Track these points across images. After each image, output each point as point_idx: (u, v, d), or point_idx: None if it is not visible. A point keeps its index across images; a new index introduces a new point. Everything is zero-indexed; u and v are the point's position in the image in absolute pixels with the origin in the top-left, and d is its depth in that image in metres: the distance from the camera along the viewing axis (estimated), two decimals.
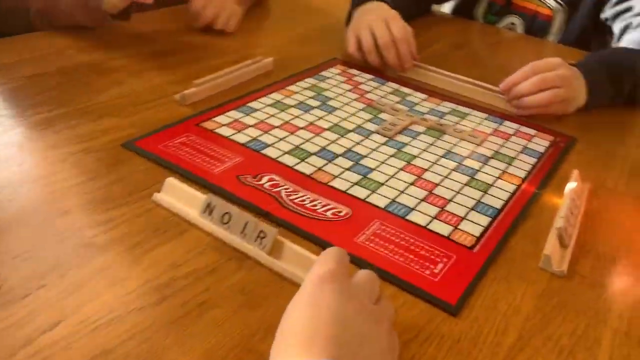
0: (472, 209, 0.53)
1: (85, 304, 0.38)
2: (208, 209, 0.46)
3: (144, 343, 0.35)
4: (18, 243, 0.42)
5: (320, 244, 0.45)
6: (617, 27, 0.97)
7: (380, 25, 0.79)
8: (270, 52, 0.83)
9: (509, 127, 0.70)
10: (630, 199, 0.58)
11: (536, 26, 1.09)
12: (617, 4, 0.98)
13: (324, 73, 0.80)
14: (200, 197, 0.47)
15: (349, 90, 0.75)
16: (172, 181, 0.49)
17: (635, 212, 0.56)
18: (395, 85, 0.78)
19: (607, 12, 0.99)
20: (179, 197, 0.48)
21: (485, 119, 0.72)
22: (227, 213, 0.45)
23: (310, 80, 0.76)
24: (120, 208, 0.47)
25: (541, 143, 0.67)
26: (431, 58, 0.87)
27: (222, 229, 0.45)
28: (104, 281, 0.40)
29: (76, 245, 0.43)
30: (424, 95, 0.76)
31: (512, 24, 1.12)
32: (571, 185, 0.55)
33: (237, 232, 0.44)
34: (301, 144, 0.60)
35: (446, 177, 0.57)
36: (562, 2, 1.05)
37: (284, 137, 0.61)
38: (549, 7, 1.07)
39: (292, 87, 0.74)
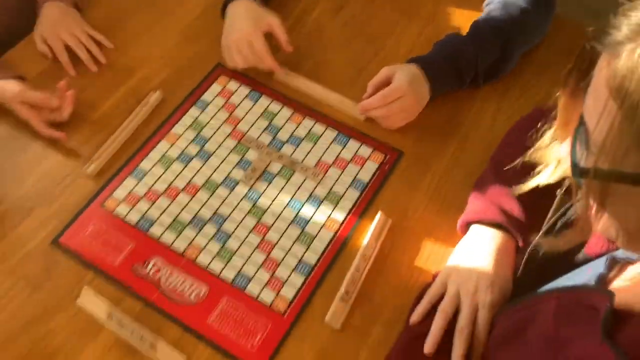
0: (294, 269, 0.74)
1: None
2: (110, 317, 0.70)
3: None
4: None
5: (187, 328, 0.70)
6: None
7: (243, 46, 0.87)
8: (160, 65, 0.93)
9: (351, 148, 0.85)
10: (420, 231, 0.77)
11: None
12: None
13: (205, 96, 0.91)
14: (104, 306, 0.70)
15: (225, 121, 0.88)
16: (86, 295, 0.72)
17: (417, 246, 0.76)
18: (267, 101, 0.90)
19: None
20: (92, 304, 0.72)
21: (334, 138, 0.86)
22: (121, 320, 0.69)
23: (193, 112, 0.89)
24: (62, 313, 0.72)
25: (370, 167, 0.83)
26: (308, 34, 0.97)
27: (120, 331, 0.70)
28: None
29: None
30: (289, 112, 0.89)
31: None
32: (370, 234, 0.74)
33: (129, 335, 0.69)
34: (178, 213, 0.79)
35: (283, 233, 0.77)
36: None
37: (167, 208, 0.80)
38: None
39: (177, 128, 0.87)
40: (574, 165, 0.44)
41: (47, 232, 0.78)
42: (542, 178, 0.55)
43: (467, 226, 0.72)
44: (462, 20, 0.99)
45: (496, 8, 0.89)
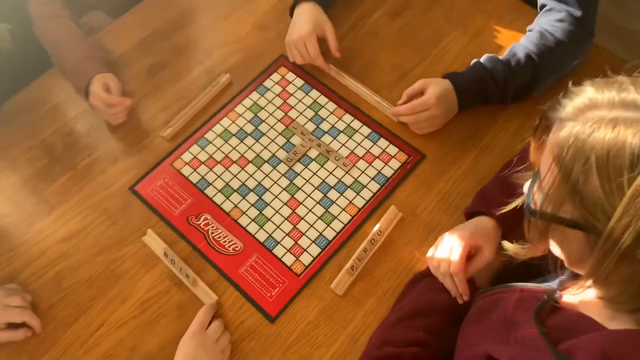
0: (314, 241, 0.89)
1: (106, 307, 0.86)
2: (165, 255, 0.89)
3: (129, 335, 0.84)
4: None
5: (222, 274, 0.88)
6: None
7: (301, 46, 1.01)
8: (232, 50, 1.09)
9: (380, 145, 0.97)
10: (425, 227, 0.90)
11: None
12: None
13: (266, 83, 1.06)
14: (162, 245, 0.89)
15: (279, 107, 1.03)
16: (149, 234, 0.91)
17: (416, 242, 0.89)
18: (317, 94, 1.04)
19: None
20: (154, 242, 0.91)
21: (368, 135, 0.99)
22: (172, 259, 0.88)
23: (253, 95, 1.04)
24: (130, 246, 0.91)
25: (394, 165, 0.95)
26: (363, 37, 1.09)
27: (172, 267, 0.88)
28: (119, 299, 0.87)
29: (110, 281, 0.89)
30: (334, 106, 1.02)
31: None
32: (381, 222, 0.88)
33: (178, 271, 0.88)
34: (230, 180, 0.96)
35: (311, 210, 0.92)
36: None
37: (221, 174, 0.97)
38: None
39: (238, 108, 1.03)
40: (527, 205, 0.55)
41: (127, 180, 0.97)
42: (519, 201, 0.66)
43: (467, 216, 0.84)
44: (506, 39, 1.07)
45: (533, 36, 0.97)
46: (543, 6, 1.01)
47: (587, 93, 0.50)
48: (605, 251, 0.46)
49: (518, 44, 0.98)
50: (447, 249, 0.77)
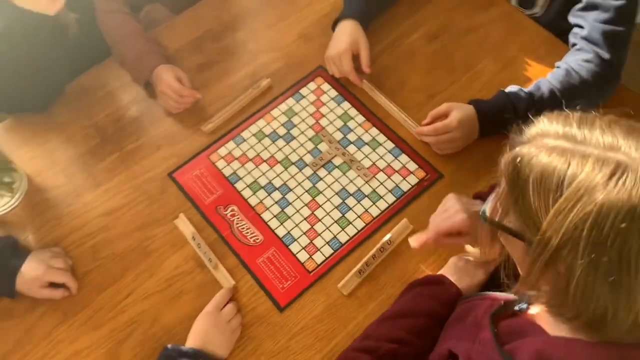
0: (327, 242, 0.96)
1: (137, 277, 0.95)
2: (193, 239, 0.97)
3: (153, 307, 0.93)
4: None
5: (241, 261, 0.95)
6: (571, 37, 1.06)
7: (337, 61, 1.08)
8: (276, 57, 1.17)
9: (401, 160, 1.03)
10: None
11: None
12: (578, 11, 1.04)
13: (303, 90, 1.13)
14: (191, 229, 0.98)
15: (311, 115, 1.10)
16: (181, 218, 0.99)
17: (422, 255, 0.94)
18: (348, 106, 1.10)
19: (571, 15, 1.07)
20: (184, 226, 0.99)
21: (391, 150, 1.04)
22: (199, 243, 0.96)
23: (289, 101, 1.12)
24: (162, 226, 1.00)
25: (411, 181, 1.01)
26: (399, 56, 1.15)
27: (198, 250, 0.97)
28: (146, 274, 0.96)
29: (141, 256, 0.98)
30: (362, 119, 1.08)
31: None
32: (392, 233, 0.94)
33: (202, 255, 0.96)
34: (258, 177, 1.04)
35: (328, 213, 0.99)
36: None
37: (251, 170, 1.04)
38: None
39: (274, 112, 1.11)
40: (482, 211, 0.62)
41: (167, 166, 1.06)
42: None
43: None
44: (535, 72, 1.10)
45: (559, 73, 1.00)
46: (574, 45, 1.05)
47: (541, 124, 0.57)
48: (533, 259, 0.53)
49: (544, 78, 1.01)
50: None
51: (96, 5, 1.16)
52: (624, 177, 0.49)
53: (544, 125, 0.57)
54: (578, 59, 1.01)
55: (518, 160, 0.55)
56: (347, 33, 1.08)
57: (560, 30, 1.13)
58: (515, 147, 0.57)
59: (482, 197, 0.88)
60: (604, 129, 0.53)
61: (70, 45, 1.12)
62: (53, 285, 0.92)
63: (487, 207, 0.62)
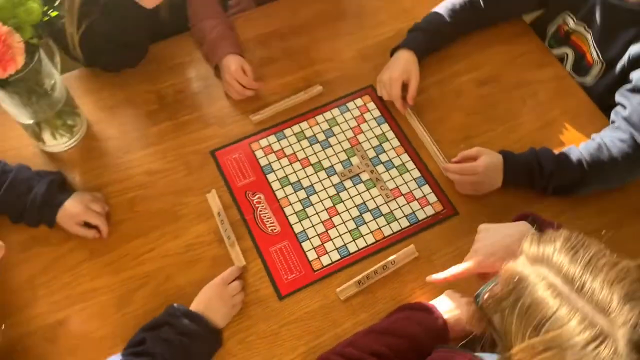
0: (337, 248, 1.03)
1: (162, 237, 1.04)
2: (218, 214, 1.06)
3: (169, 266, 1.01)
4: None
5: (256, 246, 1.03)
6: (612, 113, 1.10)
7: (387, 86, 1.14)
8: (332, 67, 1.24)
9: (423, 190, 1.09)
10: (432, 273, 1.00)
11: (582, 64, 1.22)
12: (625, 90, 1.08)
13: (349, 104, 1.20)
14: (219, 205, 1.06)
15: (352, 128, 1.17)
16: (213, 193, 1.08)
17: (424, 283, 0.99)
18: (387, 128, 1.17)
19: (618, 93, 1.10)
20: (213, 201, 1.08)
21: (416, 178, 1.10)
22: (223, 220, 1.05)
23: (334, 111, 1.19)
24: (195, 197, 1.09)
25: (428, 211, 1.07)
26: (446, 93, 1.20)
27: (220, 225, 1.05)
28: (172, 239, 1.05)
29: (170, 219, 1.07)
30: (397, 143, 1.15)
31: (566, 54, 1.25)
32: (397, 255, 1.00)
33: (223, 231, 1.04)
34: (290, 174, 1.11)
35: (344, 222, 1.06)
36: (600, 58, 1.15)
37: (284, 166, 1.12)
38: (592, 56, 1.18)
39: (319, 117, 1.18)
40: (478, 293, 0.67)
41: (211, 144, 1.15)
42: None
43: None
44: (570, 138, 1.14)
45: (591, 145, 1.04)
46: (613, 121, 1.08)
47: (552, 247, 0.59)
48: None
49: (576, 147, 1.05)
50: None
51: None
52: (601, 347, 0.49)
53: (554, 252, 0.58)
54: (614, 137, 1.04)
55: (516, 279, 0.58)
56: (403, 62, 1.15)
57: (605, 104, 1.16)
58: (521, 254, 0.60)
59: (524, 218, 0.87)
60: (604, 285, 0.52)
61: (159, 23, 1.20)
62: (88, 225, 1.02)
63: (485, 292, 0.65)
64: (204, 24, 1.22)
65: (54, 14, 0.86)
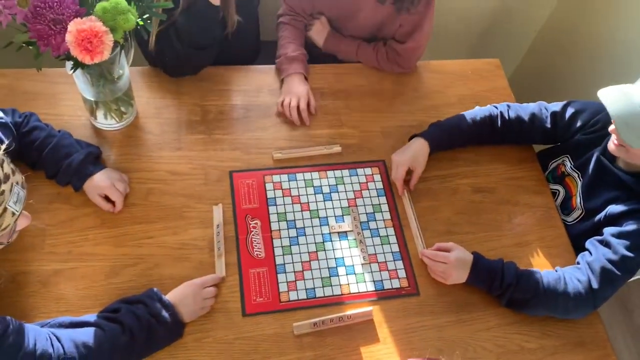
0: (306, 289, 1.13)
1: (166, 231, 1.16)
2: (217, 226, 1.18)
3: (161, 256, 1.13)
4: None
5: (239, 263, 1.14)
6: (579, 256, 1.20)
7: (396, 171, 1.27)
8: (354, 134, 1.38)
9: (396, 265, 1.20)
10: (380, 340, 1.10)
11: (567, 205, 1.33)
12: (595, 240, 1.18)
13: (359, 170, 1.33)
14: (220, 219, 1.18)
15: (354, 191, 1.29)
16: (219, 207, 1.20)
17: (370, 344, 1.09)
18: (383, 200, 1.29)
19: (589, 240, 1.20)
20: (217, 214, 1.20)
21: (394, 252, 1.21)
22: (219, 232, 1.16)
23: (345, 172, 1.32)
24: (203, 205, 1.21)
25: (394, 284, 1.17)
26: (443, 189, 1.32)
27: (215, 236, 1.17)
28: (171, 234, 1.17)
29: (176, 216, 1.19)
30: (388, 217, 1.26)
31: (558, 191, 1.37)
32: (354, 312, 1.10)
33: (216, 242, 1.16)
34: (289, 212, 1.23)
35: (320, 268, 1.16)
36: (582, 205, 1.27)
37: (287, 204, 1.24)
38: (576, 201, 1.29)
39: (329, 172, 1.31)
40: None
41: (232, 165, 1.28)
42: None
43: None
44: (539, 262, 1.24)
45: (553, 275, 1.13)
46: (578, 262, 1.18)
47: None
48: None
49: (540, 271, 1.16)
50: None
51: (281, 17, 1.49)
52: None
53: None
54: (573, 275, 1.14)
55: None
56: (415, 149, 1.28)
57: (577, 245, 1.27)
58: None
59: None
60: None
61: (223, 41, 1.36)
62: (107, 198, 1.15)
63: None
64: (283, 44, 1.45)
65: (141, 23, 1.01)
